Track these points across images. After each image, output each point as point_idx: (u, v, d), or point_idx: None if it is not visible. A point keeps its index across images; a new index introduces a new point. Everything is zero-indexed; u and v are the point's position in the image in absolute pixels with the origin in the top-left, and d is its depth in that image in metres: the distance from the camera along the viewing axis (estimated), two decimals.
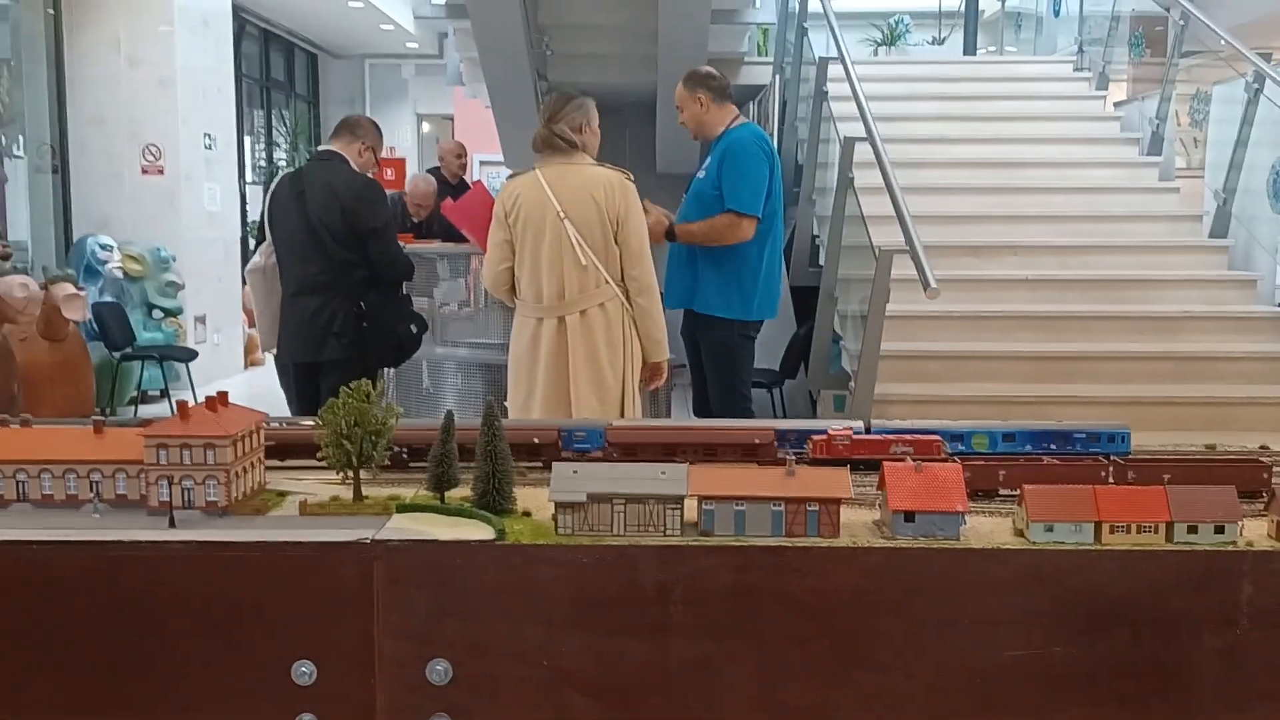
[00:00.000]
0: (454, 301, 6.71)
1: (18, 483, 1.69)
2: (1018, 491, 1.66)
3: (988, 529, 1.65)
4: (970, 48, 10.10)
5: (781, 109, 7.80)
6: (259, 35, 14.29)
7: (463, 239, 6.19)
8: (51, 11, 9.10)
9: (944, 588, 1.56)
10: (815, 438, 1.94)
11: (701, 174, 4.76)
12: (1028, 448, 2.01)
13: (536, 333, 4.01)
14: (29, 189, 9.38)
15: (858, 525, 1.63)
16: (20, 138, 9.35)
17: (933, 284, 4.32)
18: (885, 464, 1.64)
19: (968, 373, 5.12)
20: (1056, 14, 9.32)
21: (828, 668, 1.55)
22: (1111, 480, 1.77)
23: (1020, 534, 1.62)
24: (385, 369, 5.69)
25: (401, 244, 5.20)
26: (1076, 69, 8.08)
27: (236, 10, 11.09)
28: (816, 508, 1.55)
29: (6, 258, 6.76)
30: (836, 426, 1.98)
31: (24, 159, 9.37)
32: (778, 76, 8.13)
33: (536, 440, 1.96)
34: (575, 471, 1.57)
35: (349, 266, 4.63)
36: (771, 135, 6.99)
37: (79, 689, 1.58)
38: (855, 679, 1.56)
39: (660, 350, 4.11)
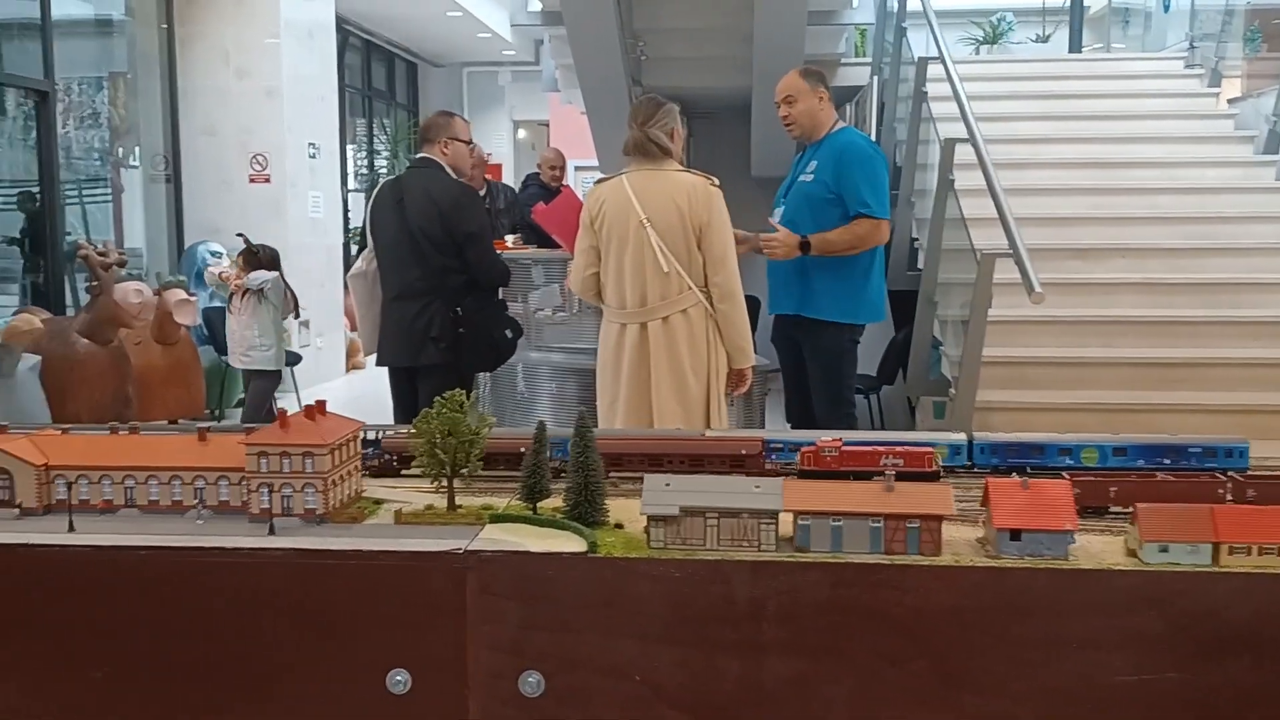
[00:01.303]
0: (548, 306, 6.75)
1: (126, 489, 1.73)
2: (1129, 509, 1.59)
3: (1098, 548, 1.58)
4: (1075, 45, 9.82)
5: (879, 110, 7.67)
6: (361, 46, 14.61)
7: (557, 244, 6.23)
8: (165, 26, 9.43)
9: (1050, 609, 1.50)
10: (804, 449, 1.86)
11: (809, 177, 4.67)
12: (1140, 462, 1.93)
13: (620, 338, 4.01)
14: (144, 198, 9.73)
15: (960, 543, 1.58)
16: (136, 149, 9.71)
17: (1037, 288, 4.21)
18: (990, 480, 1.58)
19: (1073, 380, 4.96)
20: (1166, 9, 9.01)
21: (926, 689, 1.50)
22: (1230, 498, 1.69)
23: (1132, 554, 1.55)
24: (481, 374, 5.74)
25: (497, 250, 5.24)
26: (1188, 66, 7.79)
27: (340, 22, 11.36)
28: (917, 524, 1.50)
29: (122, 265, 7.01)
30: (827, 438, 1.90)
31: (139, 169, 9.73)
32: (875, 77, 8.01)
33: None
34: (668, 484, 1.55)
35: (447, 272, 4.69)
36: (869, 137, 6.88)
37: (180, 692, 1.61)
38: (955, 701, 1.51)
39: (744, 357, 4.07)
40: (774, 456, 1.95)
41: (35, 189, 8.35)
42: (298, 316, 6.84)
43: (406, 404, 4.85)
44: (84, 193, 9.41)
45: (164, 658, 1.60)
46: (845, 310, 4.63)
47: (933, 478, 1.78)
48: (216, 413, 8.58)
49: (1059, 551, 1.51)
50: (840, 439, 1.89)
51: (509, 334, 4.98)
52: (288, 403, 8.87)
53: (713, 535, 1.51)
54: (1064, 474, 1.77)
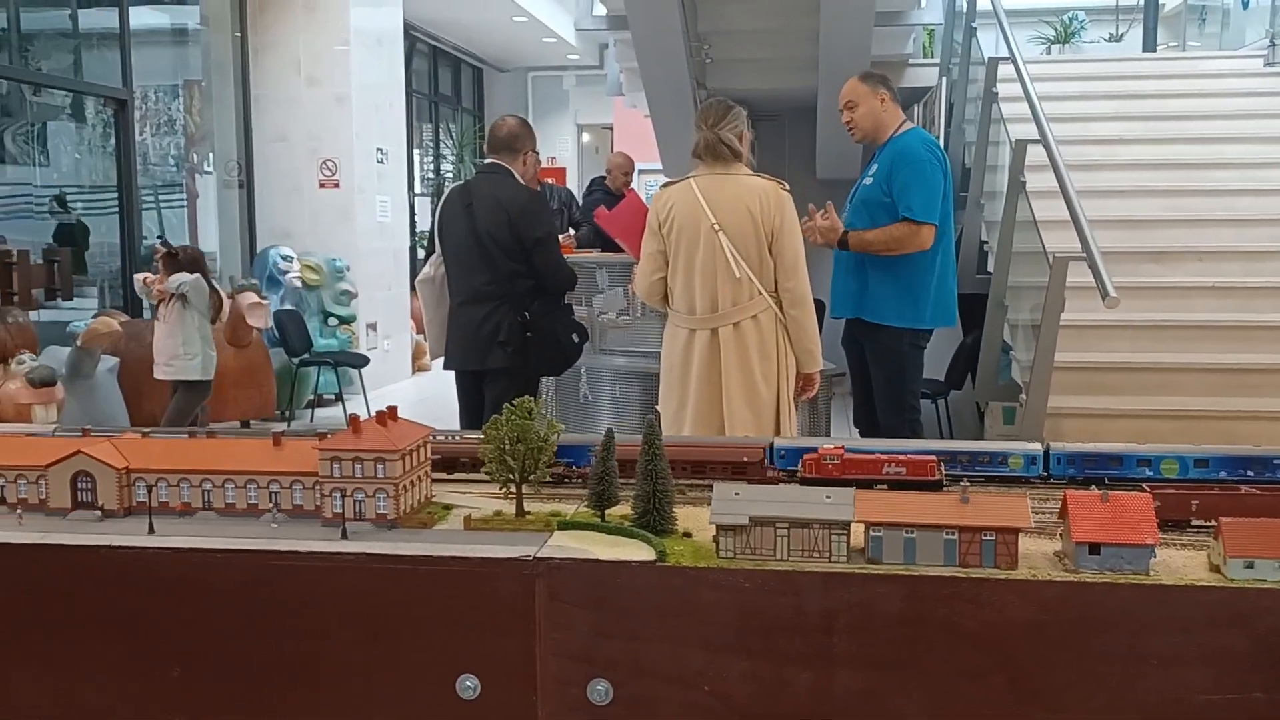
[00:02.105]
0: (612, 310, 6.76)
1: (203, 492, 1.76)
2: (1212, 524, 1.54)
3: (1179, 564, 1.54)
4: (1150, 44, 9.61)
5: (948, 111, 7.58)
6: (428, 52, 14.79)
7: (620, 247, 6.24)
8: (238, 35, 9.63)
9: (1131, 624, 1.46)
10: (806, 456, 1.84)
11: (869, 180, 4.64)
12: (1221, 474, 1.88)
13: (689, 344, 3.99)
14: (217, 203, 9.94)
15: (1036, 556, 1.55)
16: (210, 155, 9.92)
17: (1111, 292, 4.12)
18: (1068, 493, 1.55)
19: (1147, 385, 4.85)
20: (1245, 6, 8.78)
21: (1002, 704, 1.48)
22: None
23: (1216, 570, 1.51)
24: (545, 377, 5.76)
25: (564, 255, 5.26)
26: (1268, 64, 7.58)
27: (407, 29, 11.51)
28: (993, 537, 1.47)
29: None
30: (827, 444, 1.87)
31: (213, 175, 9.94)
32: (944, 78, 7.91)
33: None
34: (737, 493, 1.54)
35: (515, 277, 4.71)
36: (937, 138, 6.80)
37: (253, 692, 1.63)
38: (1031, 717, 1.48)
39: (813, 361, 4.04)
40: (779, 463, 1.94)
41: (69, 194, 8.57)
42: (214, 322, 6.57)
43: (473, 407, 4.89)
44: (160, 198, 9.64)
45: (238, 658, 1.63)
46: (904, 314, 4.57)
47: (936, 486, 1.77)
48: (287, 414, 8.73)
49: (1140, 566, 1.48)
50: (842, 446, 1.89)
51: (575, 338, 4.99)
52: (355, 405, 8.99)
53: (783, 545, 1.49)
54: (1144, 486, 1.72)
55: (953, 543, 1.49)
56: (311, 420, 9.13)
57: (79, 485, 1.75)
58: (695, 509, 1.74)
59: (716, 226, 3.90)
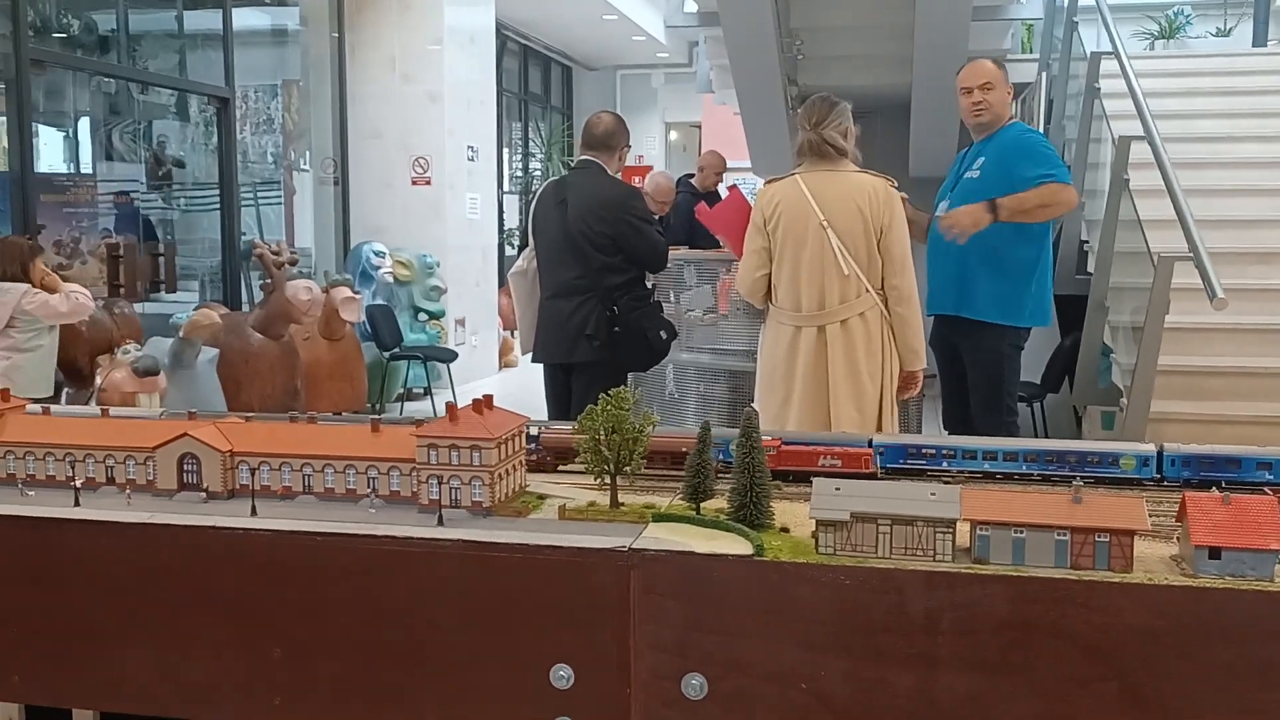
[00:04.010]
0: (700, 308, 6.74)
1: (304, 476, 1.78)
2: None
3: None
4: (1260, 39, 9.25)
5: (1047, 107, 7.39)
6: (519, 50, 14.91)
7: (709, 245, 6.21)
8: (336, 35, 9.81)
9: (1253, 633, 1.39)
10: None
11: (975, 174, 4.53)
12: None
13: (794, 341, 3.95)
14: (313, 200, 10.15)
15: (1152, 559, 1.49)
16: (307, 152, 10.13)
17: (1220, 293, 3.98)
18: (1187, 495, 1.48)
19: (1255, 390, 4.67)
20: None
21: (1113, 714, 1.42)
22: None
23: None
24: (631, 373, 5.74)
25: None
26: None
27: (499, 28, 11.61)
28: (1107, 539, 1.42)
29: (294, 263, 7.31)
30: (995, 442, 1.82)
31: (309, 172, 10.15)
32: (1043, 74, 7.72)
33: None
34: (838, 488, 1.50)
35: (605, 271, 4.73)
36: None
37: (350, 673, 1.65)
38: None
39: (918, 359, 3.98)
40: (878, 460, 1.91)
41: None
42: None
43: (561, 401, 4.92)
44: (259, 195, 9.88)
45: (337, 640, 1.64)
46: (1007, 312, 4.46)
47: (870, 479, 1.75)
48: (377, 407, 8.87)
49: (1264, 572, 1.41)
50: (780, 439, 1.88)
51: (663, 335, 4.98)
52: (443, 399, 9.10)
53: (885, 543, 1.46)
54: (1265, 489, 1.64)
55: (1064, 544, 1.43)
56: (401, 413, 9.27)
57: (185, 467, 1.78)
58: (792, 504, 1.71)
59: (825, 223, 3.85)
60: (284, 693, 1.66)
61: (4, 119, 6.89)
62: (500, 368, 11.64)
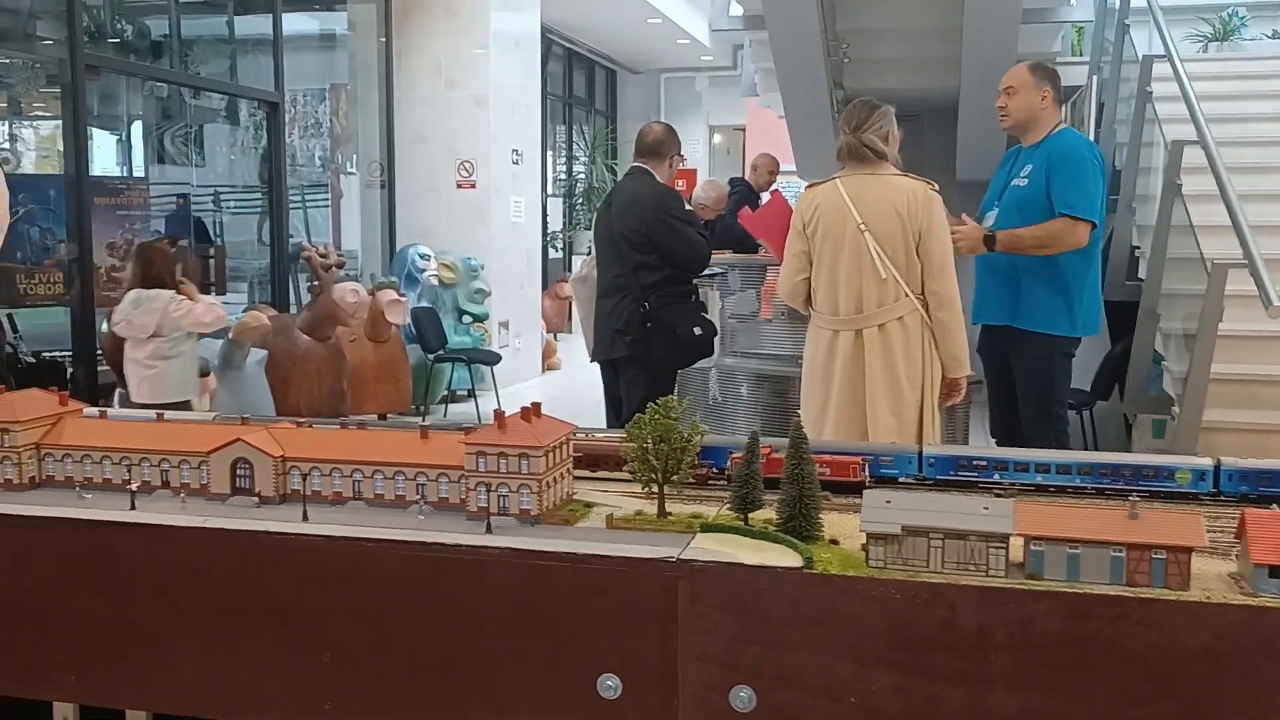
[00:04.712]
0: (745, 312, 6.72)
1: (354, 482, 1.80)
2: None
3: None
4: None
5: (1098, 111, 7.30)
6: (563, 54, 14.97)
7: (754, 249, 6.20)
8: (383, 40, 9.90)
9: None
10: (735, 455, 1.80)
11: (1023, 182, 4.48)
12: None
13: (832, 345, 3.93)
14: (360, 203, 10.24)
15: (1210, 577, 1.46)
16: (354, 156, 10.23)
17: (1275, 300, 3.91)
18: (1246, 511, 1.45)
19: None
20: None
21: None
22: None
23: None
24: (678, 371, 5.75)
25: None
26: None
27: (543, 32, 11.65)
28: (1163, 555, 1.39)
29: (341, 266, 7.38)
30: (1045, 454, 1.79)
31: (356, 175, 10.25)
32: (1094, 77, 7.62)
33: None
34: (889, 501, 1.49)
35: (640, 269, 4.87)
36: (1089, 139, 6.56)
37: (399, 679, 1.66)
38: None
39: (960, 366, 3.93)
40: (928, 471, 1.88)
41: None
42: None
43: (613, 397, 5.12)
44: (306, 198, 9.99)
45: (386, 646, 1.65)
46: (1056, 321, 4.40)
47: (858, 488, 1.73)
48: (422, 408, 8.93)
49: None
50: (769, 446, 1.87)
51: (698, 331, 5.03)
52: (487, 401, 9.15)
53: (936, 557, 1.44)
54: None
55: (1120, 560, 1.41)
56: (445, 415, 9.32)
57: (238, 471, 1.80)
58: (841, 515, 1.70)
59: (863, 226, 3.83)
60: (334, 697, 1.67)
61: (60, 123, 7.02)
62: (543, 370, 11.67)
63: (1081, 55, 8.52)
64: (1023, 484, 1.83)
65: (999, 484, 1.83)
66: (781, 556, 1.52)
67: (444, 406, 9.49)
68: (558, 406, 1.87)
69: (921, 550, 1.44)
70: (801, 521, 1.58)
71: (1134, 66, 6.39)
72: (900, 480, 1.87)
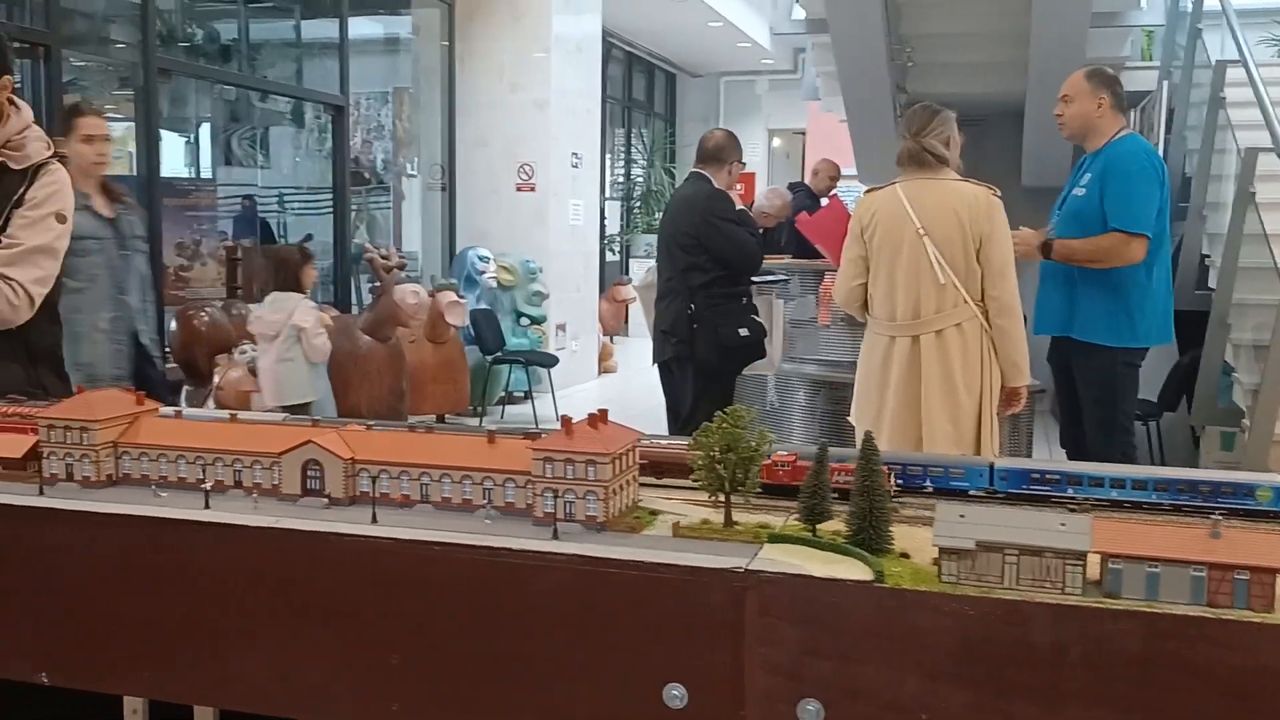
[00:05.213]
0: (803, 318, 6.69)
1: (422, 485, 1.81)
2: None
3: None
4: None
5: (1168, 117, 7.16)
6: (624, 58, 15.01)
7: (814, 255, 6.17)
8: (446, 43, 10.00)
9: None
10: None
11: (1081, 191, 4.42)
12: None
13: (889, 351, 3.91)
14: (421, 205, 10.35)
15: None
16: (415, 159, 10.34)
17: None
18: None
19: None
20: None
21: None
22: None
23: None
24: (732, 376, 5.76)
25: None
26: None
27: (605, 35, 11.70)
28: (1247, 576, 1.36)
29: (402, 268, 7.47)
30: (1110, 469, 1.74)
31: (417, 178, 10.36)
32: (1165, 82, 7.48)
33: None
34: (963, 515, 1.47)
35: (689, 271, 4.94)
36: (1156, 145, 6.44)
37: (465, 683, 1.66)
38: None
39: (1020, 375, 3.89)
40: (999, 484, 1.85)
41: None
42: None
43: (670, 398, 5.18)
44: (368, 200, 10.12)
45: (452, 650, 1.66)
46: (1118, 333, 4.33)
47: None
48: (479, 409, 9.00)
49: None
50: (795, 454, 1.87)
51: (743, 332, 5.03)
52: (544, 403, 9.19)
53: (1011, 573, 1.42)
54: None
55: (1201, 580, 1.38)
56: (502, 417, 9.38)
57: (308, 473, 1.82)
58: (911, 528, 1.68)
59: (922, 231, 3.81)
60: (400, 699, 1.68)
61: (130, 124, 7.18)
62: (599, 373, 11.71)
63: (1152, 60, 8.37)
64: (1096, 499, 1.80)
65: (1072, 499, 1.80)
66: (851, 569, 1.51)
67: (501, 408, 9.56)
68: (613, 410, 1.87)
69: (996, 566, 1.42)
70: (872, 534, 1.56)
71: (1206, 72, 6.28)
72: (970, 493, 1.84)
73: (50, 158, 2.99)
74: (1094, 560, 1.43)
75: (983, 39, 7.48)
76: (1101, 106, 4.36)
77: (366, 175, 10.02)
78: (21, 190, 2.90)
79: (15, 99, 2.95)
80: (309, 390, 5.67)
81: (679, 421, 5.08)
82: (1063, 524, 1.44)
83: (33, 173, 2.93)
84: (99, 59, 7.63)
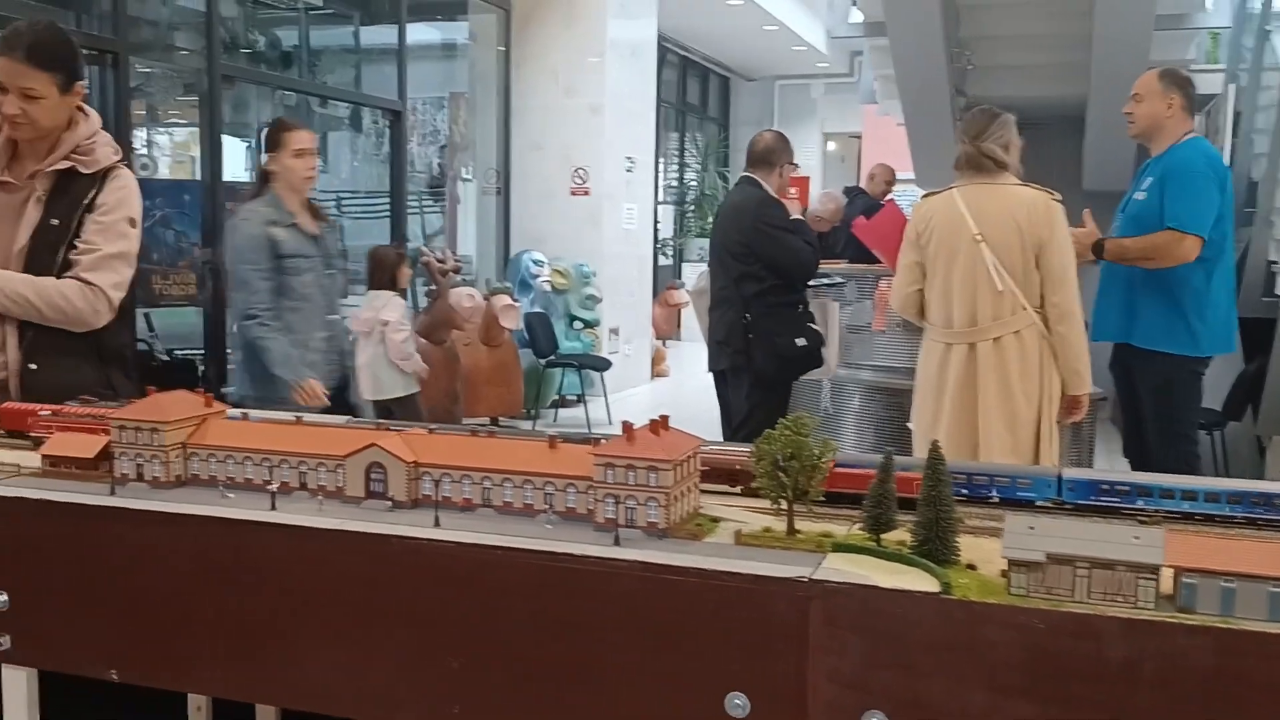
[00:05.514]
0: (859, 323, 6.65)
1: (484, 489, 1.82)
2: None
3: None
4: None
5: (1235, 120, 7.02)
6: (678, 62, 15.01)
7: (871, 260, 6.12)
8: (502, 48, 10.06)
9: None
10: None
11: (1142, 195, 4.36)
12: None
13: (945, 359, 3.87)
14: (477, 209, 10.43)
15: None
16: (471, 163, 10.42)
17: None
18: None
19: None
20: None
21: None
22: None
23: None
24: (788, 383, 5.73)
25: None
26: None
27: (659, 39, 11.71)
28: None
29: (457, 271, 7.53)
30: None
31: (473, 182, 10.44)
32: (1231, 85, 7.33)
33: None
34: (1032, 527, 1.45)
35: (743, 279, 4.89)
36: (1222, 149, 6.31)
37: (526, 688, 1.67)
38: None
39: (1080, 383, 3.82)
40: (1067, 496, 1.82)
41: None
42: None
43: (724, 408, 5.15)
44: (424, 204, 10.21)
45: (513, 654, 1.67)
46: (1176, 340, 4.25)
47: (912, 505, 1.64)
48: (532, 412, 9.04)
49: None
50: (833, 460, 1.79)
51: (800, 342, 4.97)
52: (596, 407, 9.21)
53: (1082, 586, 1.39)
54: None
55: (1278, 596, 1.34)
56: (555, 420, 9.42)
57: (372, 476, 1.84)
58: (976, 539, 1.66)
59: (979, 237, 3.76)
60: (461, 702, 1.69)
61: (192, 129, 7.31)
62: (652, 377, 11.71)
63: (1218, 63, 8.21)
64: (1167, 511, 1.76)
65: (1142, 511, 1.77)
66: (917, 580, 1.49)
67: (554, 411, 9.59)
68: (666, 414, 1.86)
69: (1066, 579, 1.40)
70: (938, 545, 1.54)
71: (1275, 74, 6.15)
72: (1037, 504, 1.81)
73: (118, 162, 3.05)
74: (1167, 574, 1.40)
75: (1044, 41, 7.39)
76: (1172, 107, 4.29)
77: (423, 179, 10.12)
78: (92, 195, 2.96)
79: (84, 105, 3.02)
80: (400, 385, 5.81)
81: (732, 428, 5.06)
82: (1135, 537, 1.41)
83: (102, 177, 2.99)
84: (164, 65, 7.78)
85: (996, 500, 1.85)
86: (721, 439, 3.24)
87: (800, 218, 5.19)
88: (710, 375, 5.32)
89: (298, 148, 4.41)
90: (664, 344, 12.97)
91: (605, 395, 9.40)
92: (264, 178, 4.48)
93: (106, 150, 3.03)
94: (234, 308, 4.49)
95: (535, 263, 9.68)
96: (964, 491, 1.84)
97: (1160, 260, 4.17)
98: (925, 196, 4.09)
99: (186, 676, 1.89)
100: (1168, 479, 1.78)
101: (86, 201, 2.95)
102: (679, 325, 13.93)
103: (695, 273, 10.05)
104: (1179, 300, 4.23)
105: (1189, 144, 4.32)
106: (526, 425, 8.21)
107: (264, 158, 4.49)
